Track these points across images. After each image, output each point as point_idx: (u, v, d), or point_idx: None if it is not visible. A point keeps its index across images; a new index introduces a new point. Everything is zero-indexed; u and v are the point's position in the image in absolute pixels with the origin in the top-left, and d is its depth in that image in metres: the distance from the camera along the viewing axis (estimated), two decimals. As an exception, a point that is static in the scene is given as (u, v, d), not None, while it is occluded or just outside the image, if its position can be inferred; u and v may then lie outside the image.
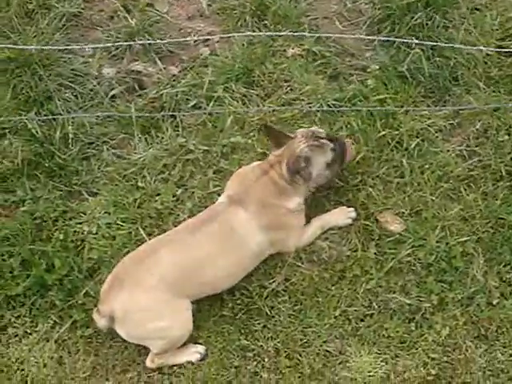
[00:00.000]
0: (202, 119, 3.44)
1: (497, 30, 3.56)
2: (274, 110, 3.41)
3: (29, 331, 3.04)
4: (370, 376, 2.83)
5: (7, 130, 3.47)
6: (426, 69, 3.40)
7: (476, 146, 3.25)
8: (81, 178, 3.36)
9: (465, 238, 3.02)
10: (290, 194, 3.00)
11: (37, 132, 3.38)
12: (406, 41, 3.05)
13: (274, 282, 3.03)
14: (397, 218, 3.11)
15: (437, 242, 3.01)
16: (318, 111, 3.38)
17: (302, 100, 3.45)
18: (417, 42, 2.92)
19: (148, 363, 2.94)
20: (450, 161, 3.21)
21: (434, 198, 3.12)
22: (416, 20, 3.51)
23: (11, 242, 3.19)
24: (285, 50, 3.62)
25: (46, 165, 3.35)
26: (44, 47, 2.95)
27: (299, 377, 2.85)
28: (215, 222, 2.93)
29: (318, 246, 3.09)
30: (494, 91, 3.38)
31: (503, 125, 3.26)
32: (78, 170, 3.37)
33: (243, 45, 3.62)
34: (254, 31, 3.64)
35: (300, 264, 3.05)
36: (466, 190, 3.14)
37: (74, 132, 3.40)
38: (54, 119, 3.42)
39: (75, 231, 3.21)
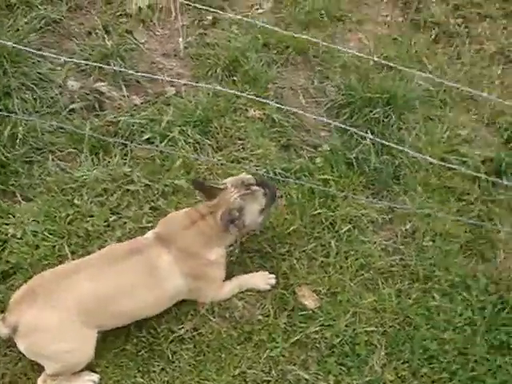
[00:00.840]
0: (152, 155, 3.49)
1: (444, 142, 3.79)
2: (222, 164, 3.50)
3: None
4: None
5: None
6: (372, 161, 3.58)
7: (401, 245, 3.40)
8: (19, 180, 3.34)
9: (372, 328, 3.13)
10: (213, 246, 3.04)
11: (-14, 123, 3.36)
12: (360, 133, 3.20)
13: (182, 328, 3.05)
14: (313, 295, 3.20)
15: (345, 325, 3.10)
16: (264, 176, 3.49)
17: (251, 161, 3.56)
18: (370, 137, 3.07)
19: (39, 382, 2.89)
20: (374, 253, 3.35)
21: (352, 284, 3.23)
22: (374, 114, 3.72)
23: None
24: (246, 110, 3.75)
25: (-13, 158, 3.32)
26: (18, 46, 2.95)
27: (184, 427, 2.88)
28: (139, 255, 2.93)
29: (233, 303, 3.14)
30: (429, 197, 3.57)
31: (430, 231, 3.44)
32: (18, 171, 3.36)
33: (208, 94, 3.72)
34: (221, 83, 3.75)
35: (211, 317, 3.09)
36: (383, 283, 3.27)
37: (24, 134, 3.40)
38: (8, 116, 3.41)
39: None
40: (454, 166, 3.34)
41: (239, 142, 3.62)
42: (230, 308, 3.14)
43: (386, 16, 4.34)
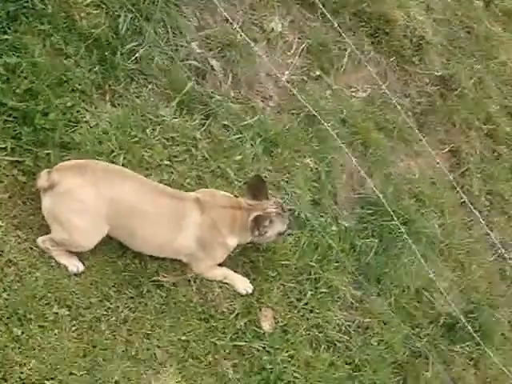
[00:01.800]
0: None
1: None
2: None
3: None
4: None
5: None
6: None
7: (353, 331, 3.84)
8: (116, 86, 3.67)
9: (296, 374, 3.57)
10: (233, 234, 3.48)
11: None
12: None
13: (166, 277, 3.42)
14: (273, 321, 3.63)
15: (280, 360, 3.50)
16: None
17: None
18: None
19: (39, 240, 3.22)
20: (332, 322, 3.78)
21: (303, 333, 3.65)
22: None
23: None
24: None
25: None
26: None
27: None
28: (179, 201, 3.35)
29: (213, 286, 3.54)
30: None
31: (380, 335, 3.94)
32: (119, 79, 3.68)
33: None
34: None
35: (192, 284, 3.47)
36: (324, 349, 3.69)
37: (141, 55, 3.75)
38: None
39: None
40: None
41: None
42: (209, 288, 3.54)
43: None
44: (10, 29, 3.46)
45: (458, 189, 4.44)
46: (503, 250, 4.54)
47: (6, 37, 3.44)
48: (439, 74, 4.81)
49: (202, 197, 3.46)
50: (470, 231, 4.61)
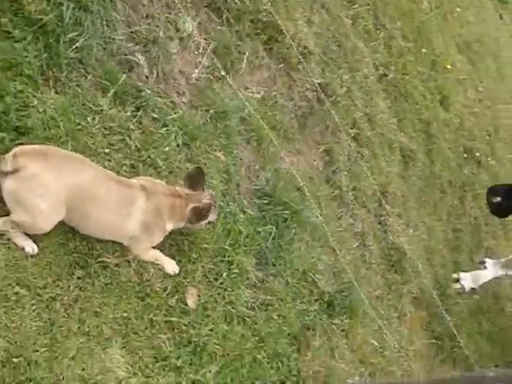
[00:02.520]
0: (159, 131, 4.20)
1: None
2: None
3: None
4: None
5: None
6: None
7: (255, 308, 4.41)
8: (59, 74, 3.80)
9: (217, 346, 4.02)
10: (172, 220, 3.83)
11: None
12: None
13: (110, 258, 3.68)
14: (197, 299, 4.03)
15: (205, 333, 3.93)
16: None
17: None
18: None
19: (-1, 222, 3.32)
20: (241, 299, 4.29)
21: (219, 308, 4.12)
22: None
23: None
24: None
25: None
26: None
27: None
28: (127, 187, 3.60)
29: (148, 267, 3.85)
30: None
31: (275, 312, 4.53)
32: (62, 67, 3.79)
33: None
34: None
35: (131, 265, 3.77)
36: (238, 323, 4.19)
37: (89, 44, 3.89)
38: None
39: None
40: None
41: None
42: (144, 269, 3.85)
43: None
44: (-39, 7, 3.46)
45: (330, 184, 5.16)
46: (364, 239, 5.38)
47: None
48: (318, 81, 5.46)
49: (144, 184, 3.75)
50: (340, 221, 5.35)
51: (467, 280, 6.50)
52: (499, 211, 6.28)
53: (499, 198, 6.08)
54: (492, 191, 6.19)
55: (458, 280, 6.51)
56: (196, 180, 3.91)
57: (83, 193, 3.42)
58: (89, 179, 3.46)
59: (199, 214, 3.84)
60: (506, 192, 6.04)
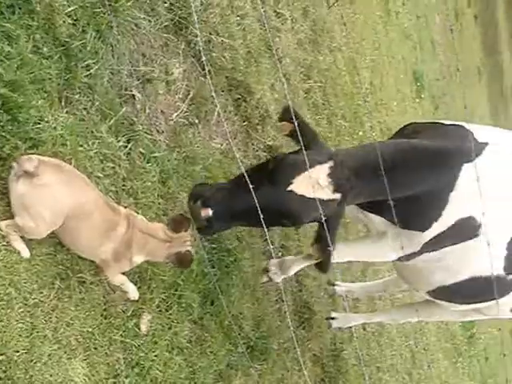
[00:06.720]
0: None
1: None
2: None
3: None
4: None
5: None
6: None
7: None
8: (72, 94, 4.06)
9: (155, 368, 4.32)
10: (145, 255, 4.07)
11: None
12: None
13: (89, 273, 3.93)
14: (149, 325, 4.31)
15: (140, 357, 4.22)
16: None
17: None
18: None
19: (3, 224, 3.50)
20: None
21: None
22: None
23: None
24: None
25: None
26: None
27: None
28: (115, 214, 3.87)
29: (116, 288, 4.11)
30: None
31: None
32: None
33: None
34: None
35: (102, 283, 4.02)
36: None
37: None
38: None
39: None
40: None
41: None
42: (112, 290, 4.10)
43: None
44: (6, 18, 3.65)
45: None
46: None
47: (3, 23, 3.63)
48: (270, 143, 5.98)
49: (128, 214, 4.04)
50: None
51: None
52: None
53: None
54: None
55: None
56: (180, 226, 4.11)
57: (80, 210, 3.68)
58: (88, 199, 3.74)
59: (181, 259, 4.08)
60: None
